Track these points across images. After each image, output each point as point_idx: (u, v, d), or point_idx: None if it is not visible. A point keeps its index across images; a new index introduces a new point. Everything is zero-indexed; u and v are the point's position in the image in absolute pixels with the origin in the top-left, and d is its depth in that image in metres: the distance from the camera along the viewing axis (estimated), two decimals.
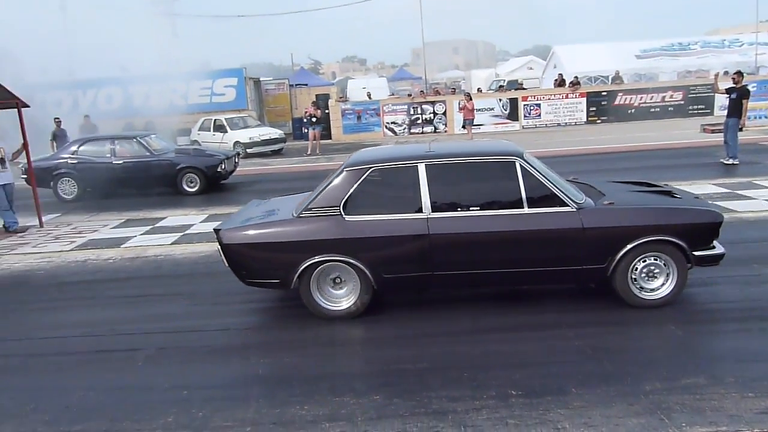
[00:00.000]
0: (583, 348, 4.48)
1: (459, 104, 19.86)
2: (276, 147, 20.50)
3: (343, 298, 5.27)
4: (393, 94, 32.56)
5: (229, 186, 13.90)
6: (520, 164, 5.06)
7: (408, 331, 5.01)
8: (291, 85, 28.17)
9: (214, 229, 5.52)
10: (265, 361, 4.63)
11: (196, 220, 10.04)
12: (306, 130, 20.37)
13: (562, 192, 5.04)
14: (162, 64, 23.25)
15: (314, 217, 5.15)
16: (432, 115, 23.59)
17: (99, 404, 4.13)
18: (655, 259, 4.99)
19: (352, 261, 5.06)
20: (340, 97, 27.22)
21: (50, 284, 7.06)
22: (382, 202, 5.19)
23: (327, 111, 23.30)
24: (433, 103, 23.80)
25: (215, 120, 20.98)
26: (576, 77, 24.61)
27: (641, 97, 23.33)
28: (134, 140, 13.30)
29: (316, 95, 25.03)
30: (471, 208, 5.06)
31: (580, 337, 4.64)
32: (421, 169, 5.11)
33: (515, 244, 4.98)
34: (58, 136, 17.28)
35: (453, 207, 5.09)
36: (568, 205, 4.98)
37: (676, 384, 3.87)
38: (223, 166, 13.14)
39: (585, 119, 23.15)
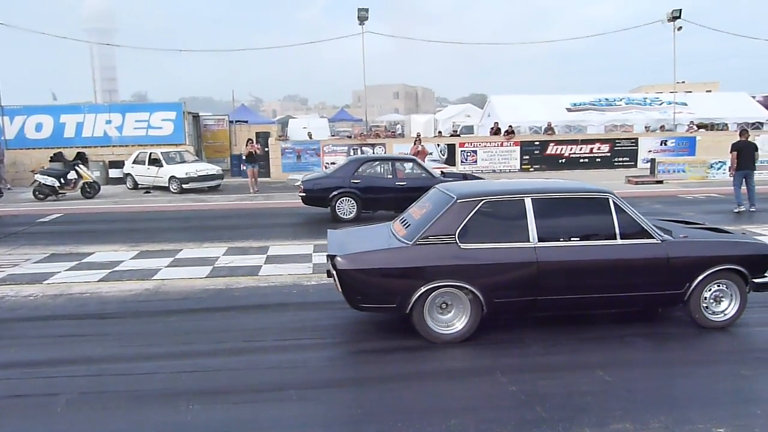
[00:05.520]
0: (517, 394, 4.55)
1: (418, 146, 19.82)
2: (213, 183, 20.13)
3: (451, 323, 5.56)
4: (334, 135, 32.81)
5: (165, 223, 13.56)
6: (613, 200, 5.69)
7: (349, 374, 4.97)
8: (231, 122, 27.96)
9: (328, 255, 5.60)
10: (196, 407, 4.46)
11: (126, 256, 9.70)
12: (244, 168, 20.13)
13: (649, 226, 5.70)
14: (98, 93, 22.81)
15: (431, 245, 5.45)
16: None
17: None
18: (723, 286, 5.74)
19: (467, 286, 5.38)
20: (281, 136, 27.14)
21: None
22: (493, 231, 5.61)
23: (267, 149, 23.20)
24: (373, 145, 24.09)
25: (150, 153, 20.50)
26: (510, 126, 25.51)
27: (571, 148, 24.42)
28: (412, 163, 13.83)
29: (256, 132, 24.92)
30: (572, 239, 5.56)
31: (514, 383, 4.72)
32: (528, 202, 5.57)
33: (610, 272, 5.58)
34: None
35: (557, 237, 5.55)
36: (654, 238, 5.62)
37: (604, 429, 3.98)
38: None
39: (519, 167, 23.98)
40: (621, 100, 31.47)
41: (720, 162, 21.20)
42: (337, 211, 13.02)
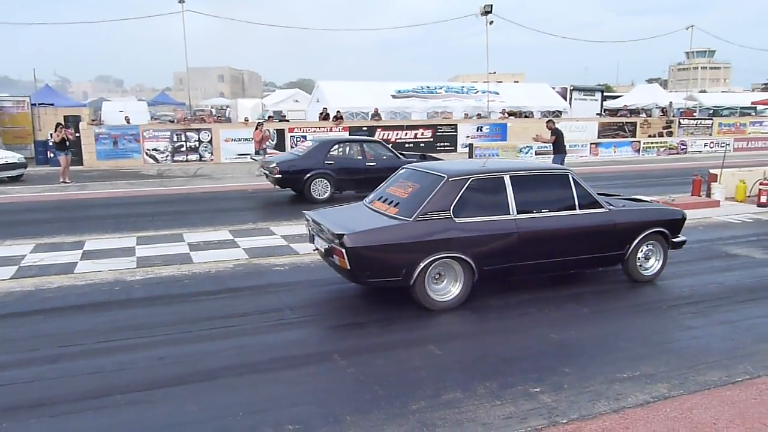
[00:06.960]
0: (355, 375, 4.65)
1: (262, 130, 18.94)
2: (14, 173, 17.93)
3: (447, 290, 6.06)
4: (155, 119, 30.87)
5: None
6: (572, 176, 6.58)
7: (181, 372, 4.73)
8: (33, 104, 25.08)
9: (336, 234, 5.62)
10: (5, 426, 3.97)
11: None
12: (53, 155, 18.17)
13: (599, 197, 6.71)
14: None
15: (430, 220, 5.89)
16: (197, 143, 22.85)
17: None
18: (652, 246, 6.97)
19: (462, 256, 5.90)
20: (93, 120, 24.91)
21: None
22: (480, 206, 6.16)
23: (78, 134, 21.19)
24: (198, 130, 23.06)
25: None
26: (339, 111, 25.83)
27: (397, 133, 25.40)
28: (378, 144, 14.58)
29: (65, 116, 22.66)
30: (543, 210, 6.35)
31: (352, 365, 4.81)
32: (507, 179, 6.26)
33: (573, 237, 6.43)
34: None
35: (531, 209, 6.28)
36: (603, 207, 6.64)
37: (438, 401, 4.22)
38: None
39: None
40: (441, 88, 33.26)
41: (527, 146, 23.35)
42: (312, 191, 13.22)
